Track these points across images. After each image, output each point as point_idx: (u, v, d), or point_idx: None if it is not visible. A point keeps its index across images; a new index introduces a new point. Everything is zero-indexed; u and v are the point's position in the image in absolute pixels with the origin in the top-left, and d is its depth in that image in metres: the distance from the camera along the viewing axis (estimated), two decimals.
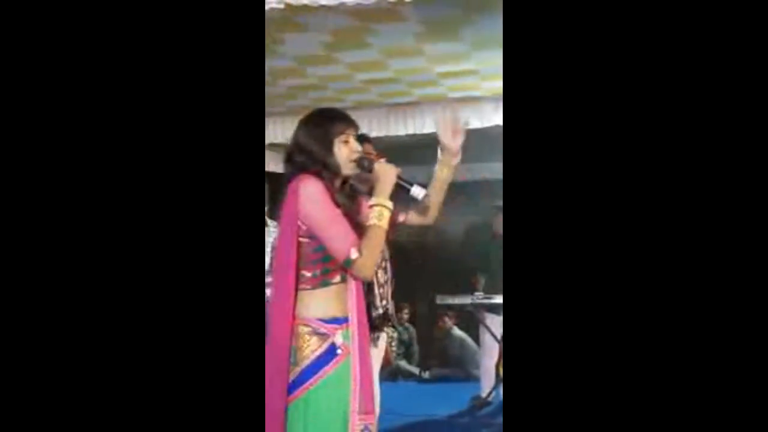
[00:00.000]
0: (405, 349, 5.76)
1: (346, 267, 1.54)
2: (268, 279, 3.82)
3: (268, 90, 3.58)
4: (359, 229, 1.58)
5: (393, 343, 5.61)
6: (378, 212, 1.57)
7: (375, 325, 2.52)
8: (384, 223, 1.57)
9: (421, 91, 4.19)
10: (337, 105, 4.22)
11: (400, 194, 1.63)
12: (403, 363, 5.62)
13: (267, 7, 2.32)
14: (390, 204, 1.58)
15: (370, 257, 1.54)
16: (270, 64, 3.33)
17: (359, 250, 1.52)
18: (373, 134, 3.22)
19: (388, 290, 2.69)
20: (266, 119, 3.78)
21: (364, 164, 1.63)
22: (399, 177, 1.61)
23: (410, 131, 4.37)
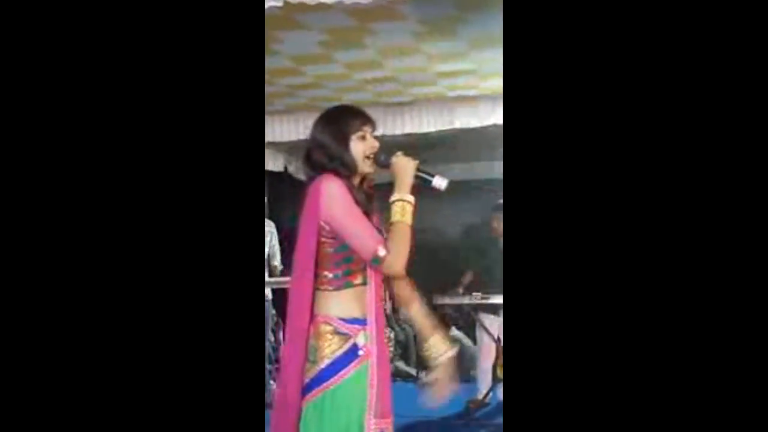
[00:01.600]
0: (402, 349, 5.75)
1: (374, 265, 1.52)
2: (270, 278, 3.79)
3: (266, 89, 3.56)
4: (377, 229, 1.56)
5: (390, 344, 5.60)
6: (400, 207, 1.54)
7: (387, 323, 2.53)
8: (408, 219, 1.54)
9: (419, 91, 4.17)
10: (334, 104, 4.21)
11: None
12: (400, 364, 5.61)
13: (266, 5, 2.31)
14: (411, 198, 1.55)
15: (400, 253, 1.51)
16: (267, 62, 3.32)
17: (386, 248, 1.50)
18: None
19: (385, 290, 2.68)
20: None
21: (380, 159, 1.59)
22: (418, 169, 1.58)
23: (407, 130, 4.36)
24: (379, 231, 1.57)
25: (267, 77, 3.59)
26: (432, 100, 4.31)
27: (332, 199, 1.51)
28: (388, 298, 2.70)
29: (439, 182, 1.58)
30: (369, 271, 1.58)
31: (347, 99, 4.21)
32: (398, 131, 4.36)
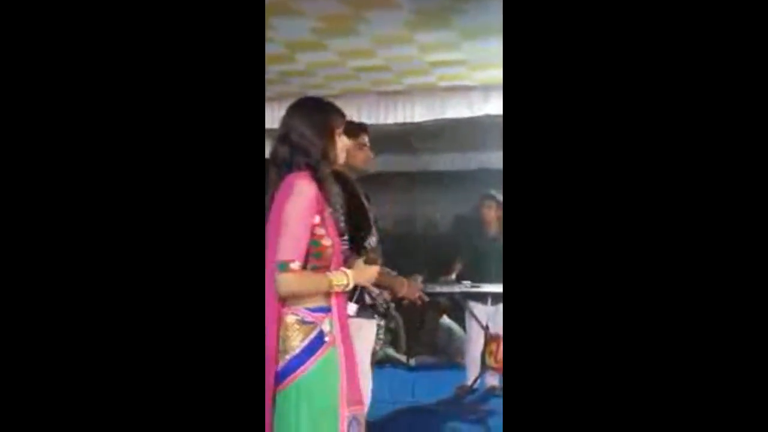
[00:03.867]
0: (392, 337, 5.78)
1: (279, 269, 1.52)
2: None
3: None
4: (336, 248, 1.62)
5: (380, 331, 5.62)
6: (343, 281, 1.62)
7: (377, 312, 2.65)
8: (333, 289, 1.60)
9: (412, 80, 4.17)
10: (326, 92, 4.19)
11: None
12: (390, 350, 5.64)
13: None
14: (353, 284, 1.65)
15: (301, 286, 1.55)
16: None
17: (301, 268, 1.53)
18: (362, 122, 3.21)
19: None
20: None
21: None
22: (367, 286, 1.78)
23: (399, 120, 4.35)
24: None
25: None
26: (424, 89, 4.30)
27: (294, 197, 1.55)
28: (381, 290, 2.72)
29: (351, 308, 1.81)
30: (332, 263, 1.63)
31: (339, 87, 4.20)
32: (390, 120, 4.36)
